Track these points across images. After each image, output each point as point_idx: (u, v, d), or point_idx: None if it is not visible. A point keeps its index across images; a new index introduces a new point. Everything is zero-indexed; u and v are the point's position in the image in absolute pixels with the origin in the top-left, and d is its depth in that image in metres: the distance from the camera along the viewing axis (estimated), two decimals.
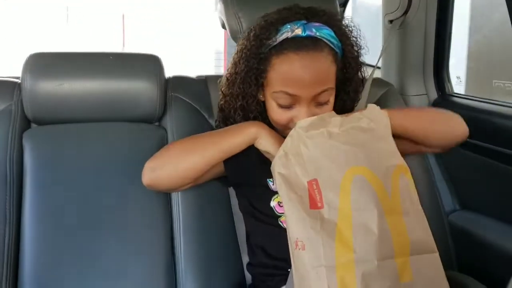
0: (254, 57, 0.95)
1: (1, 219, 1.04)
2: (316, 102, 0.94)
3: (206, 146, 0.98)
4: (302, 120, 0.89)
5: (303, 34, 0.92)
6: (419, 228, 0.86)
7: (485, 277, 1.07)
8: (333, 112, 0.92)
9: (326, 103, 0.96)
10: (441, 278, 0.87)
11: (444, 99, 1.45)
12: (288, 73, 0.92)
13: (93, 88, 1.14)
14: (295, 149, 0.87)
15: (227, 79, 1.03)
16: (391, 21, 1.41)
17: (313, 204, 0.83)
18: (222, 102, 1.05)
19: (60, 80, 1.12)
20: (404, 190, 0.87)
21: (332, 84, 0.95)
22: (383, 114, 0.93)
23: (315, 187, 0.83)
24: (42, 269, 1.04)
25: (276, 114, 0.96)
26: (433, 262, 0.86)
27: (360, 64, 1.03)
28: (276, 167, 0.88)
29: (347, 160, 0.85)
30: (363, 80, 1.06)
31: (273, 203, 1.00)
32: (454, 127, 1.06)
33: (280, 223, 0.99)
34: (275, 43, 0.93)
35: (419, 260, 0.84)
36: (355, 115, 0.92)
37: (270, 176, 0.98)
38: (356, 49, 1.01)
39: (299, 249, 0.82)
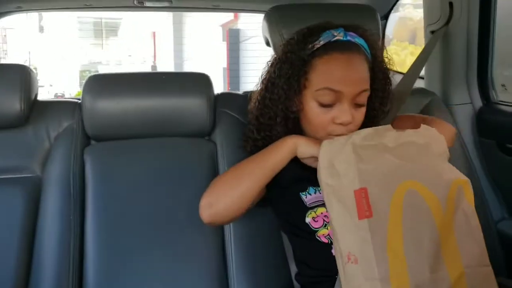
0: (298, 59, 1.00)
1: (66, 230, 1.12)
2: (355, 102, 0.98)
3: (253, 169, 1.00)
4: (357, 132, 0.91)
5: (344, 38, 0.98)
6: (473, 242, 0.86)
7: None
8: (389, 126, 0.93)
9: (363, 105, 1.00)
10: None
11: (490, 107, 1.44)
12: (333, 70, 0.97)
13: (148, 105, 1.22)
14: (344, 158, 0.87)
15: (267, 85, 1.05)
16: (432, 32, 1.42)
17: (361, 213, 0.82)
18: (259, 111, 1.07)
19: (117, 99, 1.20)
20: (462, 203, 0.87)
21: (368, 86, 1.00)
22: (438, 133, 0.95)
23: (363, 195, 0.83)
24: (105, 278, 1.11)
25: (317, 115, 0.99)
26: (487, 276, 0.86)
27: (389, 79, 1.07)
28: (323, 177, 0.88)
29: (400, 174, 0.85)
30: (389, 94, 1.09)
31: (308, 219, 1.00)
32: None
33: (318, 238, 1.00)
34: (319, 46, 0.99)
35: (474, 274, 0.83)
36: (410, 131, 0.93)
37: (304, 190, 1.01)
38: (385, 64, 1.06)
39: (352, 262, 0.81)
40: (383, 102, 1.08)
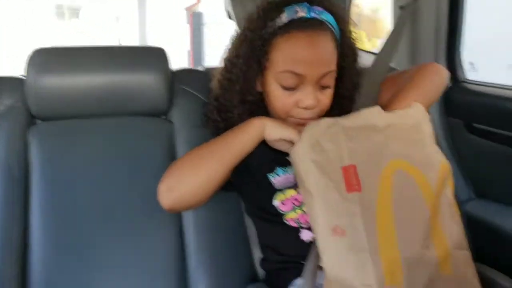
0: (258, 38, 0.93)
1: (9, 216, 1.03)
2: (320, 85, 0.93)
3: (220, 151, 0.93)
4: (345, 116, 0.88)
5: (308, 15, 0.91)
6: (455, 226, 0.87)
7: (502, 266, 1.05)
8: (378, 107, 0.90)
9: (328, 86, 0.94)
10: (474, 275, 0.87)
11: (457, 86, 1.43)
12: (295, 52, 0.90)
13: (98, 82, 1.13)
14: (331, 136, 0.85)
15: (226, 64, 0.99)
16: (401, 7, 1.37)
17: (350, 187, 0.81)
18: (218, 90, 1.01)
19: (64, 75, 1.11)
20: (446, 189, 0.87)
21: (335, 67, 0.94)
22: (426, 113, 0.93)
23: (352, 171, 0.82)
24: (50, 266, 1.03)
25: (280, 98, 0.93)
26: (467, 260, 0.86)
27: (357, 55, 1.02)
28: (308, 154, 0.85)
29: (389, 153, 0.85)
30: (360, 72, 1.04)
31: (276, 202, 0.97)
32: (446, 78, 1.06)
33: (286, 221, 0.96)
34: (280, 24, 0.92)
35: (457, 256, 0.84)
36: (400, 111, 0.91)
37: (271, 171, 0.97)
38: (353, 39, 1.00)
39: (339, 235, 0.79)
40: (354, 80, 1.02)
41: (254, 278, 1.09)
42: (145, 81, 1.14)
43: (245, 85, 0.96)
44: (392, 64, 1.51)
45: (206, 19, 9.74)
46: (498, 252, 1.21)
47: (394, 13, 1.47)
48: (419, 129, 0.90)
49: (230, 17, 1.26)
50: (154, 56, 1.17)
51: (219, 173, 0.92)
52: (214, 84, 1.03)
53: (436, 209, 0.84)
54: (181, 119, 1.16)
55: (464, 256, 0.86)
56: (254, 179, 0.99)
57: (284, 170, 0.97)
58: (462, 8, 1.40)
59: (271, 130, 0.92)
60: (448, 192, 0.88)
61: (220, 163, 0.92)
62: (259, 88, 0.98)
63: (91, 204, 1.08)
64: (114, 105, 1.15)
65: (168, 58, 1.18)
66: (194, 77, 1.23)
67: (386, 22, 1.40)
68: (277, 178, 0.97)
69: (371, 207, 0.80)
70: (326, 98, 0.95)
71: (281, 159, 0.97)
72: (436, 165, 0.87)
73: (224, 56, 1.01)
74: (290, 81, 0.91)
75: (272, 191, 0.97)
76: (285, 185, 0.97)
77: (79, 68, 1.12)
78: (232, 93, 0.98)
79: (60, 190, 1.08)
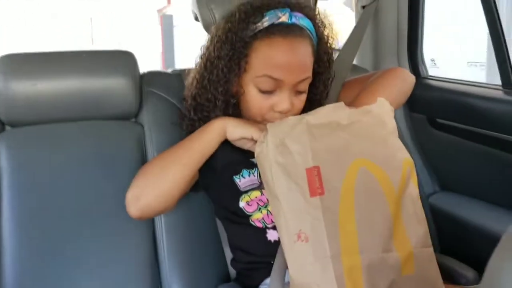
0: (239, 40, 0.93)
1: None
2: (296, 90, 0.94)
3: (181, 155, 0.94)
4: (310, 112, 0.88)
5: (289, 21, 0.92)
6: (418, 224, 0.87)
7: (467, 257, 1.09)
8: (342, 103, 0.90)
9: (304, 92, 0.96)
10: (436, 271, 0.87)
11: (419, 82, 1.46)
12: (274, 57, 0.91)
13: (67, 87, 1.12)
14: (296, 136, 0.84)
15: (206, 64, 0.99)
16: (363, 7, 1.41)
17: (313, 190, 0.80)
18: (196, 90, 1.01)
19: (33, 81, 1.10)
20: (409, 185, 0.87)
21: (310, 73, 0.96)
22: (391, 108, 0.93)
23: (315, 173, 0.80)
24: (24, 272, 1.02)
25: (256, 101, 0.94)
26: (430, 256, 0.87)
27: (332, 60, 1.04)
28: (273, 156, 0.84)
29: (353, 152, 0.84)
30: (333, 77, 1.06)
31: (242, 204, 0.96)
32: (411, 83, 1.08)
33: (252, 223, 0.96)
34: (261, 28, 0.92)
35: (420, 254, 0.84)
36: (363, 108, 0.91)
37: (237, 173, 0.97)
38: (329, 45, 1.01)
39: (302, 241, 0.79)
40: (326, 84, 1.04)
41: (226, 278, 1.10)
42: (114, 84, 1.14)
43: (227, 87, 0.97)
44: (356, 62, 1.55)
45: (176, 21, 9.65)
46: (462, 243, 1.25)
47: (356, 12, 1.50)
48: (383, 126, 0.90)
49: (196, 19, 1.26)
50: (123, 60, 1.17)
51: (185, 176, 0.94)
52: (191, 82, 1.03)
53: (399, 208, 0.84)
54: (150, 121, 1.16)
55: (427, 253, 0.86)
56: (220, 181, 0.99)
57: (249, 172, 0.98)
58: (422, 7, 1.44)
59: (232, 129, 0.93)
60: (412, 189, 0.88)
61: (185, 166, 0.93)
62: (236, 90, 0.98)
63: (63, 209, 1.07)
64: (83, 110, 1.14)
65: (136, 61, 1.18)
66: (162, 79, 1.23)
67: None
68: (243, 180, 0.97)
69: (334, 210, 0.79)
70: (300, 102, 0.96)
71: (246, 160, 0.98)
72: (399, 163, 0.87)
73: (202, 56, 1.01)
74: (267, 85, 0.92)
75: (238, 193, 0.97)
76: (250, 187, 0.97)
77: (48, 74, 1.12)
78: (213, 94, 0.98)
79: (31, 196, 1.07)
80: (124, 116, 1.18)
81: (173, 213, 1.09)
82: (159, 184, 0.93)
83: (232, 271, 1.09)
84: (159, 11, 10.27)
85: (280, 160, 0.84)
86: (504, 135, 1.15)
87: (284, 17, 0.92)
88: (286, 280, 0.86)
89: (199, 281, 1.07)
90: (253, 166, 0.97)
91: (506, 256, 0.31)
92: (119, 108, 1.16)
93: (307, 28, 0.95)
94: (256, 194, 0.96)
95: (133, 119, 1.20)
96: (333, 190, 0.80)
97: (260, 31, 0.92)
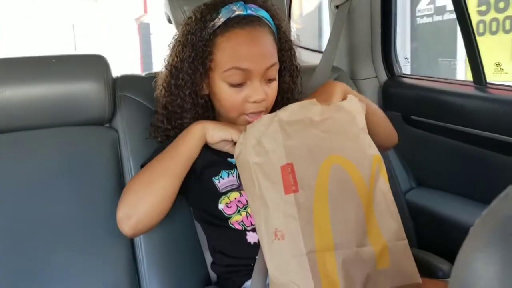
0: (200, 40, 0.94)
1: None
2: (266, 78, 0.95)
3: (166, 166, 0.93)
4: (283, 108, 0.87)
5: (244, 13, 0.94)
6: (390, 218, 0.87)
7: (444, 251, 1.10)
8: (314, 100, 0.90)
9: (274, 79, 0.97)
10: (411, 264, 0.88)
11: (394, 80, 1.48)
12: (237, 48, 0.92)
13: (37, 93, 1.10)
14: (271, 135, 0.84)
15: (171, 70, 0.99)
16: (337, 6, 1.42)
17: (288, 188, 0.80)
18: (165, 99, 1.00)
19: (1, 88, 1.07)
20: (378, 181, 0.88)
21: (276, 59, 0.97)
22: (362, 105, 0.94)
23: (289, 170, 0.80)
24: None
25: (229, 97, 0.95)
26: (405, 249, 0.88)
27: (293, 49, 1.05)
28: (250, 157, 0.85)
29: (326, 148, 0.84)
30: (297, 67, 1.07)
31: (221, 206, 0.96)
32: (393, 129, 1.12)
33: (231, 225, 0.96)
34: (219, 23, 0.94)
35: (394, 247, 0.85)
36: (335, 105, 0.91)
37: (216, 174, 0.97)
38: (288, 35, 1.03)
39: (279, 239, 0.79)
40: (292, 74, 1.05)
41: (207, 282, 1.09)
42: (85, 89, 1.12)
43: (194, 89, 0.96)
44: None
45: (153, 29, 9.74)
46: (438, 237, 1.26)
47: (330, 12, 1.51)
48: (354, 123, 0.90)
49: (169, 21, 1.25)
50: (94, 64, 1.15)
51: (173, 186, 0.93)
52: (159, 93, 1.03)
53: (371, 203, 0.85)
54: (124, 126, 1.15)
55: (402, 246, 0.87)
56: (199, 184, 0.99)
57: (228, 173, 0.98)
58: (395, 8, 1.45)
59: (212, 132, 0.93)
60: (381, 183, 0.88)
61: (172, 177, 0.92)
62: (205, 90, 0.98)
63: (36, 218, 1.04)
64: (55, 116, 1.12)
65: (108, 65, 1.16)
66: (136, 83, 1.22)
67: None
68: (222, 181, 0.97)
69: (308, 207, 0.79)
70: (272, 91, 0.97)
71: (224, 161, 0.98)
72: (369, 159, 0.88)
73: (167, 63, 1.01)
74: (236, 77, 0.93)
75: (217, 194, 0.97)
76: (229, 187, 0.97)
77: (16, 80, 1.09)
78: (182, 98, 0.97)
79: (1, 206, 1.03)
80: (97, 121, 1.16)
81: None
82: (149, 199, 0.91)
83: (213, 275, 1.08)
84: (136, 19, 10.37)
85: (256, 160, 0.84)
86: (476, 130, 1.17)
87: (238, 10, 0.94)
88: (267, 282, 0.86)
89: (179, 285, 1.06)
90: (232, 166, 0.97)
91: (474, 245, 0.32)
92: (92, 113, 1.14)
93: (264, 18, 0.96)
94: (235, 195, 0.96)
95: (107, 124, 1.18)
96: (307, 187, 0.80)
97: (219, 27, 0.94)
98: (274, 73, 0.96)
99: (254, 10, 0.96)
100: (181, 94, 0.97)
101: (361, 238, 0.81)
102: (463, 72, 3.02)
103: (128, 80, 1.22)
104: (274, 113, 0.88)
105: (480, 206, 1.18)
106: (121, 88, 1.18)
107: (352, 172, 0.84)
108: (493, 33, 2.90)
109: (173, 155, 0.94)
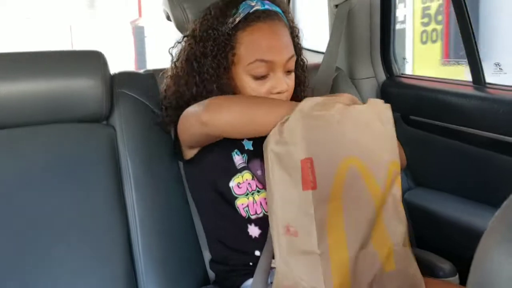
0: (222, 35, 0.97)
1: None
2: (286, 69, 0.98)
3: (270, 108, 0.87)
4: (309, 99, 0.83)
5: (262, 7, 0.98)
6: (398, 223, 0.88)
7: (442, 250, 1.10)
8: (337, 97, 0.88)
9: (292, 71, 1.01)
10: (415, 267, 0.89)
11: (392, 80, 1.48)
12: (261, 41, 0.95)
13: (33, 89, 1.08)
14: (292, 126, 0.80)
15: (191, 64, 1.00)
16: (336, 6, 1.41)
17: (306, 184, 0.77)
18: (190, 93, 1.00)
19: None
20: (393, 186, 0.88)
21: (293, 51, 1.00)
22: (388, 108, 0.90)
23: (309, 165, 0.77)
24: None
25: (254, 89, 0.97)
26: (408, 254, 0.89)
27: (301, 45, 1.09)
28: (269, 144, 0.83)
29: (345, 149, 0.81)
30: (304, 66, 1.11)
31: (232, 183, 0.97)
32: (403, 154, 1.08)
33: (237, 208, 0.96)
34: (239, 18, 0.96)
35: (400, 251, 0.86)
36: (359, 106, 0.88)
37: (237, 148, 0.98)
38: (296, 30, 1.07)
39: (291, 234, 0.79)
40: (303, 67, 1.10)
41: (206, 281, 1.08)
42: (82, 86, 1.10)
43: (219, 82, 0.98)
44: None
45: (147, 32, 10.03)
46: (437, 237, 1.26)
47: (330, 12, 1.50)
48: (376, 125, 0.87)
49: (168, 18, 1.24)
50: (91, 60, 1.13)
51: (263, 123, 0.86)
52: (176, 90, 1.03)
53: (382, 208, 0.85)
54: (122, 123, 1.13)
55: (407, 250, 0.88)
56: (218, 154, 0.99)
57: (240, 154, 0.99)
58: (394, 8, 1.45)
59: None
60: (395, 190, 0.88)
61: (268, 116, 0.86)
62: (228, 85, 0.99)
63: (32, 214, 1.03)
64: (52, 112, 1.10)
65: (106, 61, 1.14)
66: (134, 80, 1.21)
67: None
68: (237, 157, 0.98)
69: (324, 206, 0.78)
70: (291, 81, 1.01)
71: (239, 142, 0.99)
72: (386, 164, 0.86)
73: (182, 58, 1.02)
74: (261, 69, 0.95)
75: (232, 170, 0.97)
76: (243, 165, 0.97)
77: (10, 75, 1.07)
78: (209, 91, 0.98)
79: None
80: (94, 118, 1.14)
81: (149, 215, 1.07)
82: (243, 110, 0.88)
83: (212, 274, 1.07)
84: (131, 22, 10.68)
85: (275, 149, 0.83)
86: (475, 130, 1.17)
87: (257, 6, 0.98)
88: (270, 280, 0.87)
89: (177, 285, 1.05)
90: (243, 151, 0.99)
91: (494, 239, 0.31)
92: (88, 110, 1.12)
93: (280, 12, 1.00)
94: (248, 176, 0.97)
95: (104, 122, 1.17)
96: (324, 185, 0.78)
97: (239, 22, 0.96)
98: (293, 64, 1.00)
99: (270, 5, 0.99)
100: (209, 87, 0.99)
101: (370, 240, 0.82)
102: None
103: (126, 77, 1.21)
104: (296, 103, 0.84)
105: (479, 206, 1.18)
106: (119, 85, 1.17)
107: (367, 176, 0.83)
108: (434, 41, 3.31)
109: (274, 109, 0.87)
